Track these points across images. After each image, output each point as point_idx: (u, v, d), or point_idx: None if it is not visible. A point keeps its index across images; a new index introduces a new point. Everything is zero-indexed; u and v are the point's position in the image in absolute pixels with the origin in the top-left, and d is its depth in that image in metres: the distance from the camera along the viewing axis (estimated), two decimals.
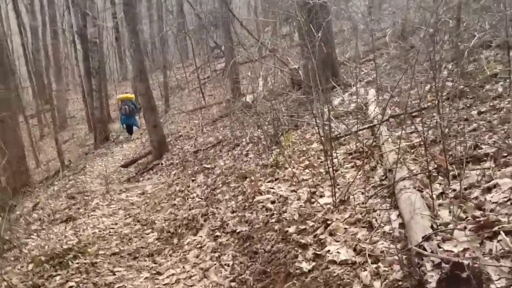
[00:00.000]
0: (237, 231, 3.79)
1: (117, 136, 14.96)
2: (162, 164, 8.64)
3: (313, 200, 3.63)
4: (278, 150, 5.32)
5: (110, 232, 5.14)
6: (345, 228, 2.94)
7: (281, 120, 6.26)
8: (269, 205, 3.84)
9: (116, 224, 5.37)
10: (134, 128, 13.58)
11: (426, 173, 3.05)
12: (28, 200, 9.94)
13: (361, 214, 3.05)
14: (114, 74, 31.66)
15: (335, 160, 4.50)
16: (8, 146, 11.57)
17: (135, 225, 5.17)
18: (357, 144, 4.77)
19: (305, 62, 8.19)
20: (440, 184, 3.06)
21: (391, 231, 2.62)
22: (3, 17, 23.93)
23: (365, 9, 12.63)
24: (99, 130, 14.43)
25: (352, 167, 4.20)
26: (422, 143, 3.59)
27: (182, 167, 7.76)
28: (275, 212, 3.69)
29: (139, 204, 6.14)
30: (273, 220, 3.55)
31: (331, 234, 2.93)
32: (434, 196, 2.83)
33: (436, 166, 3.33)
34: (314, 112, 4.91)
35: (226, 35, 12.90)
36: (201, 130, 9.82)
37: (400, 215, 2.76)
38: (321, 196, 3.70)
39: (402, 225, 2.66)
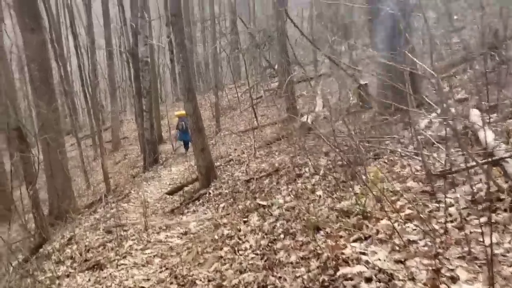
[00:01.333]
0: None
1: (166, 158, 14.05)
2: (209, 193, 7.42)
3: (439, 284, 2.18)
4: (360, 188, 3.89)
5: None
6: None
7: (356, 146, 4.84)
8: (364, 286, 2.42)
9: (148, 279, 4.12)
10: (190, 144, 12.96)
11: None
12: (69, 229, 9.06)
13: None
14: (169, 96, 31.50)
15: (451, 210, 3.03)
16: (53, 169, 10.92)
17: (171, 283, 3.89)
18: (479, 185, 3.26)
19: (379, 75, 6.75)
20: None
21: None
22: (63, 39, 24.36)
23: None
24: (148, 152, 13.60)
25: (487, 223, 2.70)
26: None
27: (231, 199, 6.49)
28: None
29: (180, 249, 4.88)
30: None
31: None
32: None
33: None
34: (403, 136, 3.49)
35: (282, 52, 11.68)
36: (254, 155, 8.54)
37: None
38: (452, 278, 2.24)
39: None
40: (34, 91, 10.74)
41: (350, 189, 4.15)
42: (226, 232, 4.71)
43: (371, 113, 7.13)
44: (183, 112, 13.60)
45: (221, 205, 6.53)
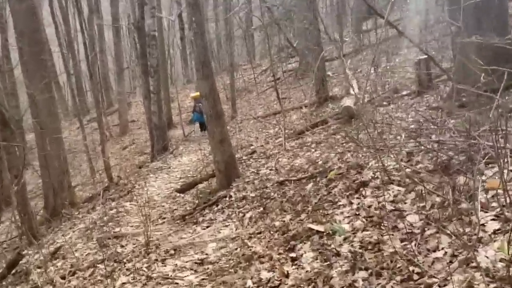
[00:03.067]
0: None
1: (176, 145, 12.38)
2: (230, 197, 5.73)
3: None
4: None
5: None
6: None
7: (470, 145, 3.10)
8: None
9: None
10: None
11: None
12: (61, 232, 7.50)
13: None
14: (180, 77, 29.67)
15: None
16: (48, 157, 9.32)
17: None
18: None
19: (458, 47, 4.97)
20: None
21: None
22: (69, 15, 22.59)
23: None
24: (156, 139, 11.94)
25: None
26: None
27: (261, 208, 4.82)
28: None
29: None
30: None
31: None
32: None
33: None
34: None
35: (312, 25, 9.77)
36: (284, 147, 6.82)
37: None
38: None
39: None
40: (24, 68, 9.07)
41: (473, 218, 2.44)
42: (264, 274, 3.02)
43: (447, 98, 5.33)
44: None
45: (247, 215, 4.85)
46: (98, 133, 19.88)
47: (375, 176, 3.80)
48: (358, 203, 3.48)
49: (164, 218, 6.29)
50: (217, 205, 5.72)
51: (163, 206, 7.09)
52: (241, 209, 5.19)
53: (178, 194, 7.45)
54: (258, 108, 13.83)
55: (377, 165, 3.90)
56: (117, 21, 18.62)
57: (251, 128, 10.65)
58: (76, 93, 23.12)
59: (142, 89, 12.59)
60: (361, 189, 3.72)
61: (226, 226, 4.91)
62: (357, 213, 3.32)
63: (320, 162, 5.19)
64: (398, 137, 4.41)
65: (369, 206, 3.33)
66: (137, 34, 12.15)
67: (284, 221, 4.01)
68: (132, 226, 6.16)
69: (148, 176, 9.57)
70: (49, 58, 9.41)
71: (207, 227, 5.12)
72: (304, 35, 15.92)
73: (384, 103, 6.68)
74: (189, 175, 8.84)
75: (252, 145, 8.50)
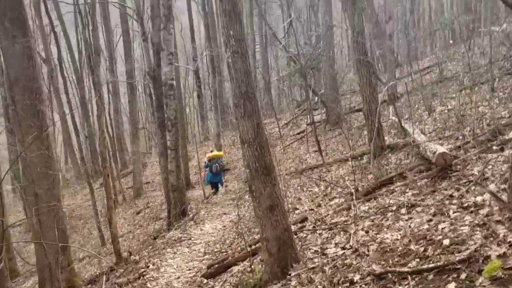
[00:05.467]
0: None
1: (197, 209, 10.31)
2: None
3: None
4: None
5: None
6: None
7: None
8: None
9: None
10: (220, 186, 11.70)
11: None
12: None
13: None
14: (197, 135, 28.19)
15: None
16: (44, 230, 7.34)
17: None
18: None
19: None
20: None
21: None
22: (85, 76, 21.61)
23: None
24: (173, 202, 9.93)
25: None
26: None
27: None
28: None
29: None
30: None
31: None
32: None
33: None
34: None
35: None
36: (355, 213, 4.73)
37: None
38: None
39: None
40: (15, 121, 7.36)
41: None
42: None
43: None
44: (216, 153, 11.81)
45: None
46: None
47: None
48: None
49: None
50: None
51: None
52: None
53: (205, 281, 5.31)
54: (287, 163, 11.86)
55: None
56: (131, 78, 17.34)
57: (287, 187, 8.61)
58: (89, 156, 21.64)
59: (158, 146, 10.82)
60: None
61: None
62: None
63: (446, 243, 3.08)
64: None
65: None
66: (153, 84, 10.54)
67: None
68: None
69: (165, 250, 7.45)
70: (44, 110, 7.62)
71: None
72: (330, 84, 14.43)
73: (494, 147, 4.67)
74: (216, 250, 6.71)
75: (297, 208, 6.42)
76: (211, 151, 12.65)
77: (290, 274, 3.89)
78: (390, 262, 3.25)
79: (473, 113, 7.08)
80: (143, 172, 19.09)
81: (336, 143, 11.64)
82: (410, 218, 3.96)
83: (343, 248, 4.02)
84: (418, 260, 3.06)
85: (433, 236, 3.29)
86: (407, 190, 4.69)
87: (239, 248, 5.94)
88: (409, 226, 3.77)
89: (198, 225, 8.69)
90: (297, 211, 6.23)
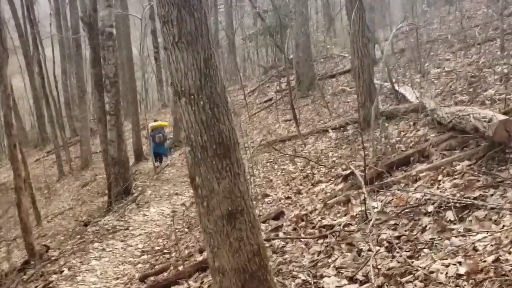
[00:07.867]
0: None
1: (143, 187, 8.33)
2: None
3: None
4: None
5: None
6: None
7: None
8: None
9: None
10: (164, 158, 10.66)
11: None
12: None
13: None
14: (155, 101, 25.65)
15: None
16: None
17: None
18: None
19: None
20: None
21: None
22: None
23: None
24: (113, 177, 7.88)
25: None
26: None
27: None
28: None
29: None
30: None
31: None
32: None
33: None
34: None
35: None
36: (363, 220, 2.96)
37: None
38: None
39: None
40: None
41: None
42: None
43: None
44: (159, 123, 10.96)
45: None
46: (57, 167, 15.57)
47: None
48: None
49: None
50: None
51: None
52: None
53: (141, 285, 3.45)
54: (253, 134, 10.02)
55: None
56: (77, 34, 14.64)
57: (253, 163, 6.76)
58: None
59: (95, 111, 8.60)
60: None
61: None
62: None
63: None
64: None
65: None
66: (88, 32, 8.23)
67: None
68: None
69: (92, 245, 5.50)
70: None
71: None
72: (302, 46, 12.53)
73: None
74: (157, 247, 4.85)
75: (267, 195, 4.61)
76: (154, 121, 11.59)
77: None
78: None
79: (488, 74, 5.46)
80: (94, 140, 16.61)
81: (310, 111, 9.86)
82: (468, 232, 2.23)
83: (352, 280, 2.26)
84: None
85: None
86: (440, 178, 2.97)
87: (187, 252, 4.09)
88: (474, 249, 2.04)
89: (141, 209, 6.75)
90: (267, 200, 4.43)
